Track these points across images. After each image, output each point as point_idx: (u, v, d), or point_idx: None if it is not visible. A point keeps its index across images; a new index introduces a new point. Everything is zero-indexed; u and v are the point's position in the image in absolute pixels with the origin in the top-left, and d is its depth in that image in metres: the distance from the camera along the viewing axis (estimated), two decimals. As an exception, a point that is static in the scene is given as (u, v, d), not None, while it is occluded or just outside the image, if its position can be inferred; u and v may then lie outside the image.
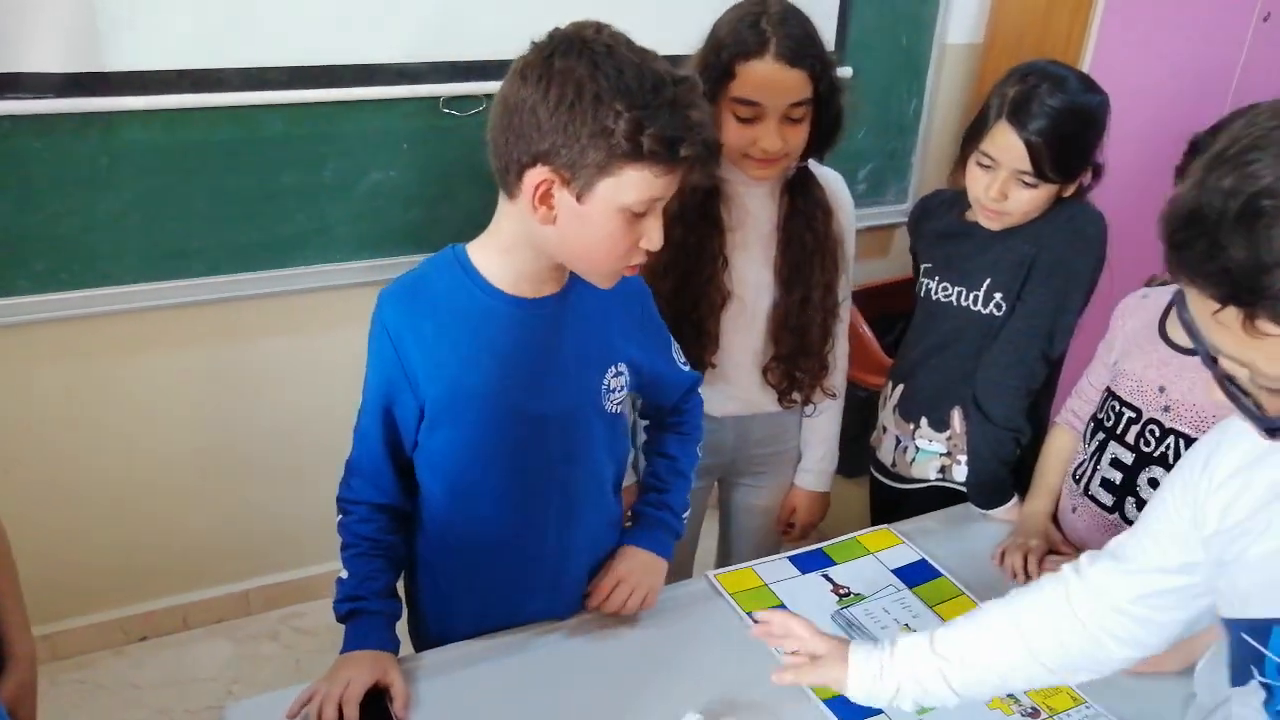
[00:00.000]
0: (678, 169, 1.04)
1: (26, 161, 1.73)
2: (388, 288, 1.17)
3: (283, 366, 2.12)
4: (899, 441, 1.69)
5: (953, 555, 1.43)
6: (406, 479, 1.23)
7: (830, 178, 1.59)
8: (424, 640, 1.32)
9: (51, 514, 2.05)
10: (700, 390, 1.48)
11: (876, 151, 2.50)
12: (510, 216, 1.11)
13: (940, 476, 1.66)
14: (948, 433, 1.63)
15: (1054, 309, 1.50)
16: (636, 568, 1.30)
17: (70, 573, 2.11)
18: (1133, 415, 1.39)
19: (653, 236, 1.08)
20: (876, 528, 1.48)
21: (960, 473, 1.64)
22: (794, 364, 1.59)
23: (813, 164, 1.55)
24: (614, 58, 1.01)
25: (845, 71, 2.34)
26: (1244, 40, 2.42)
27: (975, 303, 1.57)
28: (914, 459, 1.68)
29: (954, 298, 1.59)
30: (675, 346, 1.37)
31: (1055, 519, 1.52)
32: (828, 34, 2.28)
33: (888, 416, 1.72)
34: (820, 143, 1.49)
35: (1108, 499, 1.42)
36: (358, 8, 1.84)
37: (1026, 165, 1.44)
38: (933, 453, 1.65)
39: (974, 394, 1.56)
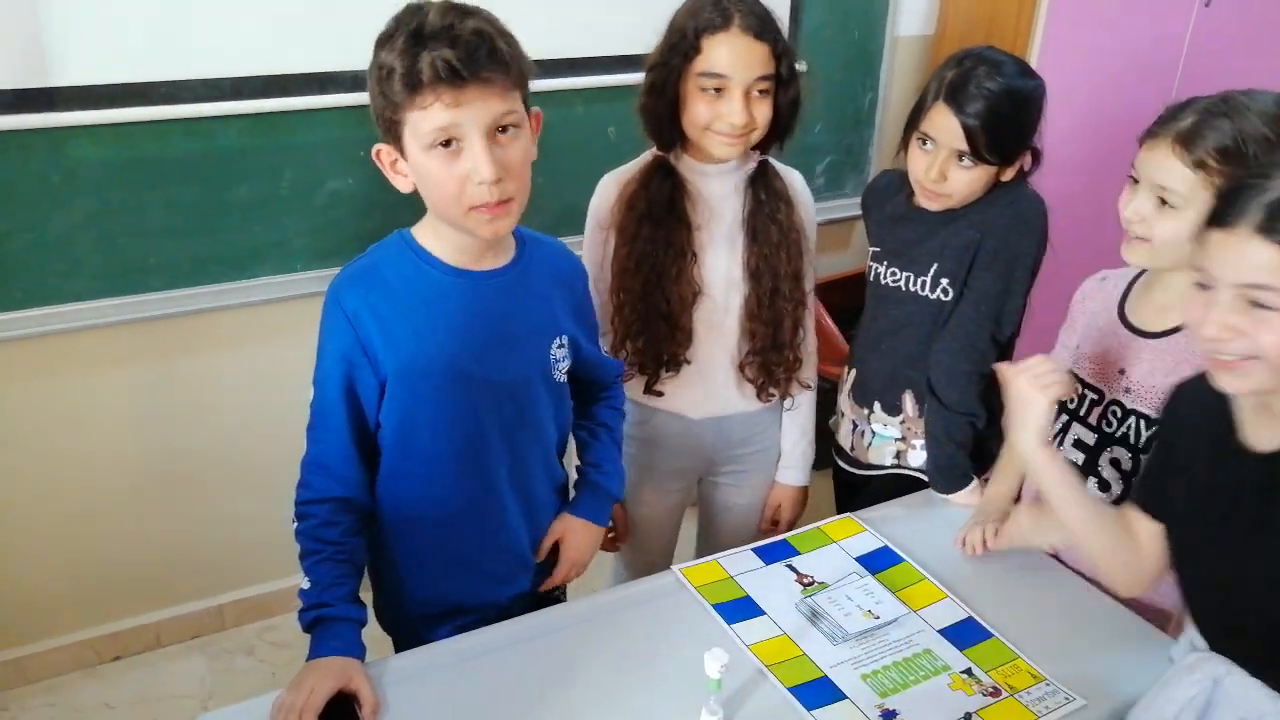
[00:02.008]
0: (442, 90, 1.07)
1: (-25, 180, 1.72)
2: (339, 275, 1.22)
3: (245, 378, 2.11)
4: (855, 426, 1.72)
5: (915, 541, 1.45)
6: (367, 470, 1.25)
7: (788, 173, 1.61)
8: (391, 624, 1.35)
9: (12, 536, 2.03)
10: (676, 393, 1.56)
11: (833, 145, 2.53)
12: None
13: (895, 462, 1.68)
14: (900, 416, 1.66)
15: (1000, 292, 1.53)
16: (584, 546, 1.41)
17: (36, 595, 2.09)
18: (1095, 397, 1.42)
19: (477, 167, 1.11)
20: (839, 516, 1.49)
21: (915, 458, 1.66)
22: (768, 357, 1.61)
23: (772, 160, 1.58)
24: (395, 19, 1.11)
25: (799, 67, 2.36)
26: (1187, 26, 2.47)
27: (923, 288, 1.59)
28: (870, 444, 1.70)
29: (902, 283, 1.62)
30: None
31: (1017, 502, 1.54)
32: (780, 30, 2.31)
33: (844, 402, 1.75)
34: (779, 129, 1.51)
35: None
36: (309, 17, 1.84)
37: (964, 145, 1.47)
38: (888, 437, 1.68)
39: (928, 380, 1.59)
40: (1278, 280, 0.95)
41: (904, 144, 1.58)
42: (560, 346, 1.31)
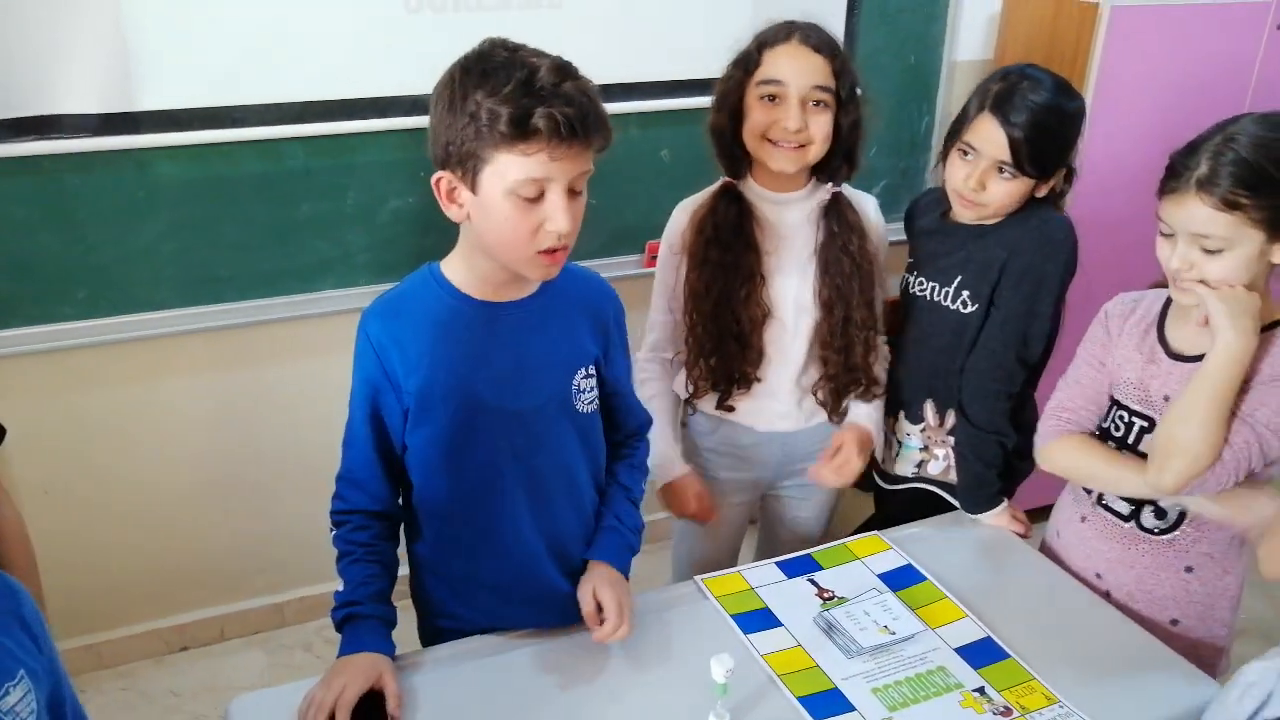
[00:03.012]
0: (545, 144, 1.10)
1: (68, 197, 1.85)
2: (370, 306, 1.27)
3: (310, 384, 2.21)
4: (887, 437, 1.74)
5: (940, 560, 1.46)
6: (395, 485, 1.31)
7: (862, 200, 1.67)
8: (429, 639, 1.40)
9: (94, 530, 2.16)
10: (745, 406, 1.59)
11: (889, 169, 2.53)
12: (460, 226, 1.22)
13: (916, 472, 1.70)
14: (921, 425, 1.68)
15: (1025, 313, 1.54)
16: (620, 592, 1.31)
17: (113, 586, 2.22)
18: (1144, 424, 1.40)
19: (556, 218, 1.14)
20: (866, 534, 1.51)
21: (935, 467, 1.68)
22: (840, 381, 1.65)
23: (846, 188, 1.63)
24: (486, 59, 1.13)
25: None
26: (1257, 49, 2.41)
27: (946, 299, 1.62)
28: (898, 454, 1.73)
29: (928, 293, 1.66)
30: (635, 380, 1.46)
31: (1048, 532, 1.54)
32: (835, 54, 2.34)
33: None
34: (843, 153, 1.57)
35: (1124, 507, 1.43)
36: (373, 45, 1.93)
37: (1006, 156, 1.50)
38: (913, 447, 1.70)
39: (958, 399, 1.59)
40: (1214, 229, 1.25)
41: (943, 156, 1.62)
42: (586, 377, 1.33)
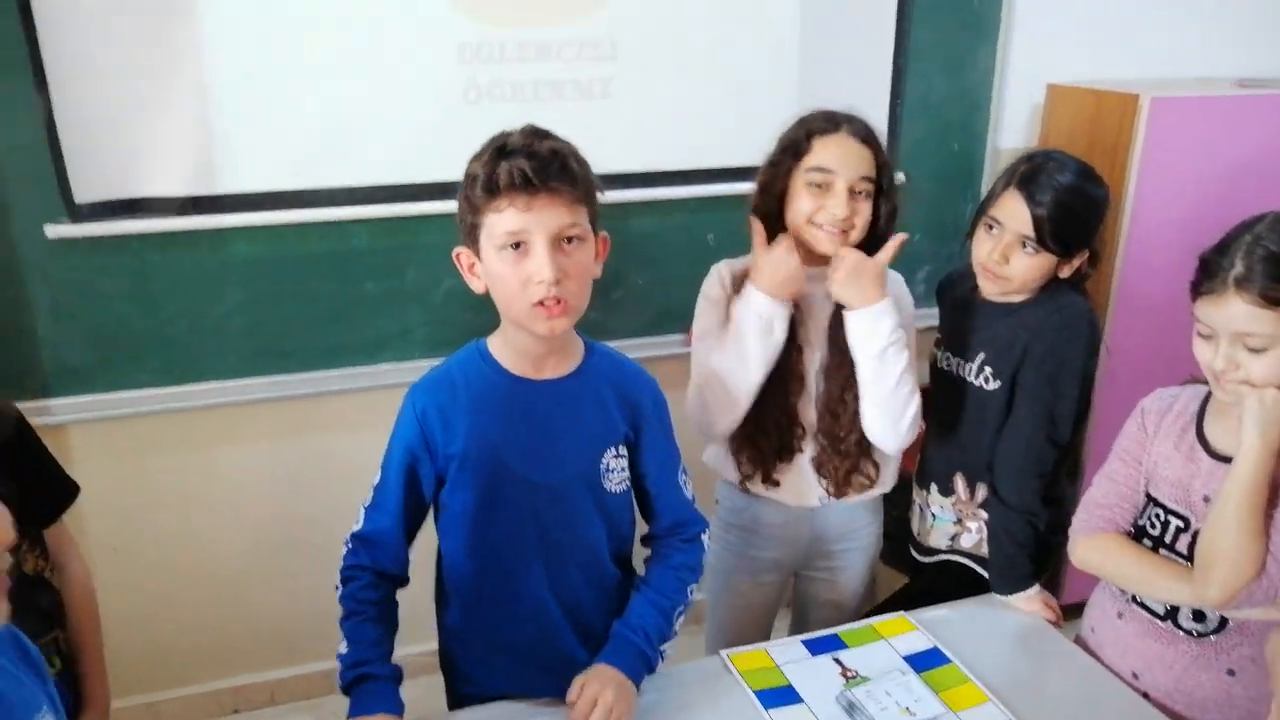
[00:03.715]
0: (516, 195, 1.20)
1: (149, 272, 1.99)
2: (419, 380, 1.35)
3: (364, 455, 2.26)
4: (921, 510, 1.77)
5: (967, 644, 1.45)
6: (407, 552, 1.37)
7: (889, 276, 1.67)
8: (454, 704, 1.44)
9: (156, 590, 2.25)
10: (782, 479, 1.60)
11: (932, 254, 2.57)
12: None
13: (950, 545, 1.70)
14: (953, 498, 1.69)
15: (1051, 396, 1.56)
16: (614, 691, 1.27)
17: (170, 647, 2.30)
18: (1180, 524, 1.38)
19: (539, 268, 1.22)
20: (893, 614, 1.51)
21: (968, 540, 1.69)
22: (828, 456, 1.66)
23: None
24: (488, 140, 1.24)
25: (897, 177, 2.44)
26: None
27: (970, 374, 1.66)
28: (931, 526, 1.75)
29: (953, 368, 1.70)
30: (686, 478, 1.47)
31: (1083, 628, 1.52)
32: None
33: (914, 488, 1.80)
34: (877, 238, 1.61)
35: (1160, 605, 1.41)
36: (435, 133, 2.06)
37: (1029, 230, 1.54)
38: (946, 520, 1.71)
39: (991, 480, 1.61)
40: (1256, 327, 1.25)
41: (970, 233, 1.66)
42: (616, 457, 1.38)
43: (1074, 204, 1.54)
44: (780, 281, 1.56)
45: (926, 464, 1.75)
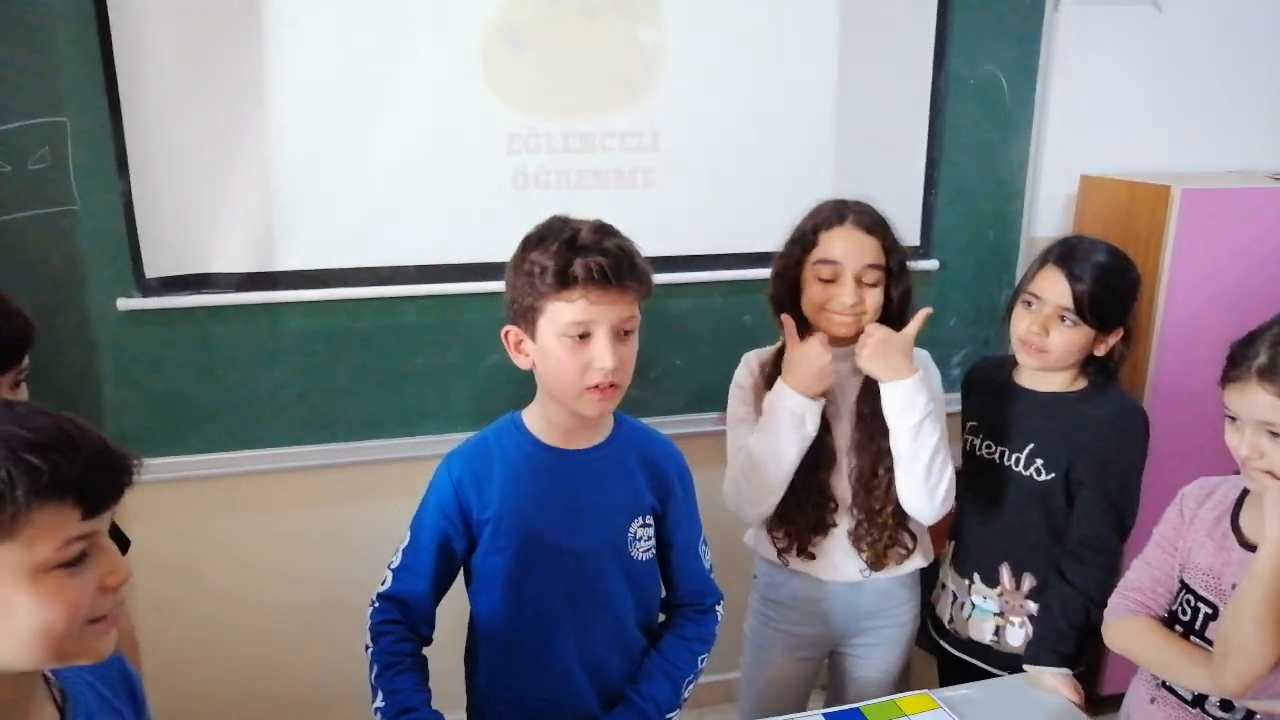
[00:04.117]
0: (585, 290, 1.27)
1: (210, 343, 2.10)
2: (455, 448, 1.41)
3: (403, 524, 2.35)
4: (955, 598, 1.76)
5: (990, 724, 1.45)
6: (434, 615, 1.43)
7: (916, 355, 1.71)
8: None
9: (196, 652, 2.31)
10: (817, 552, 1.65)
11: (968, 339, 2.60)
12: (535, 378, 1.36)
13: (995, 639, 1.70)
14: (998, 589, 1.69)
15: (1119, 492, 1.62)
16: None
17: (210, 706, 2.34)
18: (1209, 611, 1.39)
19: (602, 356, 1.29)
20: (917, 692, 1.51)
21: (1014, 635, 1.68)
22: (866, 530, 1.69)
23: None
24: (544, 228, 1.32)
25: (931, 264, 2.50)
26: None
27: (1017, 464, 1.68)
28: (970, 615, 1.74)
29: (997, 456, 1.72)
30: (706, 549, 1.52)
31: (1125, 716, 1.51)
32: (913, 229, 2.47)
33: (945, 572, 1.80)
34: (893, 316, 1.66)
35: (1188, 692, 1.40)
36: (483, 217, 2.16)
37: (1069, 303, 1.59)
38: (987, 611, 1.71)
39: (1058, 565, 1.63)
40: (1276, 417, 1.27)
41: (1007, 314, 1.71)
42: (643, 526, 1.43)
43: (1110, 279, 1.61)
44: (812, 378, 1.61)
45: (966, 552, 1.75)
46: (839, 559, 1.71)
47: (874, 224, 1.63)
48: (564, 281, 1.28)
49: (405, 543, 1.43)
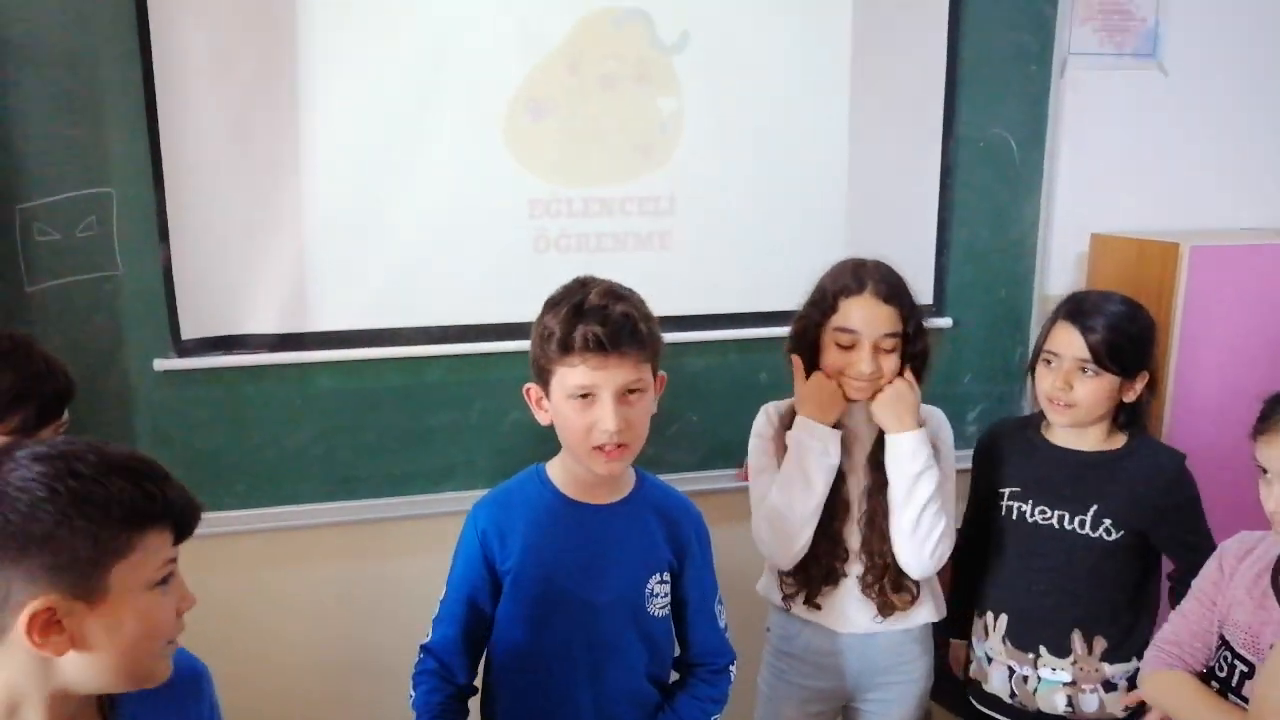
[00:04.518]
0: (589, 355, 1.31)
1: (241, 402, 2.17)
2: (481, 498, 1.46)
3: (426, 580, 2.37)
4: (1013, 671, 1.73)
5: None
6: (475, 663, 1.46)
7: (930, 412, 1.77)
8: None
9: (228, 711, 2.33)
10: (824, 603, 1.67)
11: (983, 395, 2.63)
12: None
13: (1069, 709, 1.68)
14: (1071, 657, 1.68)
15: (1197, 539, 1.66)
16: None
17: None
18: (1245, 670, 1.39)
19: (604, 419, 1.33)
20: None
21: (1089, 702, 1.67)
22: (873, 577, 1.73)
23: None
24: (563, 290, 1.37)
25: (944, 322, 2.54)
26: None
27: (1082, 527, 1.68)
28: (1036, 689, 1.71)
29: (1055, 521, 1.70)
30: (721, 609, 1.55)
31: None
32: (926, 287, 2.51)
33: (994, 647, 1.76)
34: (914, 375, 1.70)
35: None
36: (505, 278, 2.23)
37: (1086, 354, 1.62)
38: (1056, 682, 1.69)
39: (1109, 632, 1.67)
40: None
41: (1030, 375, 1.75)
42: (660, 583, 1.47)
43: (1123, 324, 1.64)
44: (824, 405, 1.68)
45: (1025, 624, 1.73)
46: (850, 609, 1.73)
47: (891, 292, 1.66)
48: (566, 347, 1.34)
49: (444, 594, 1.48)
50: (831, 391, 1.67)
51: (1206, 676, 1.44)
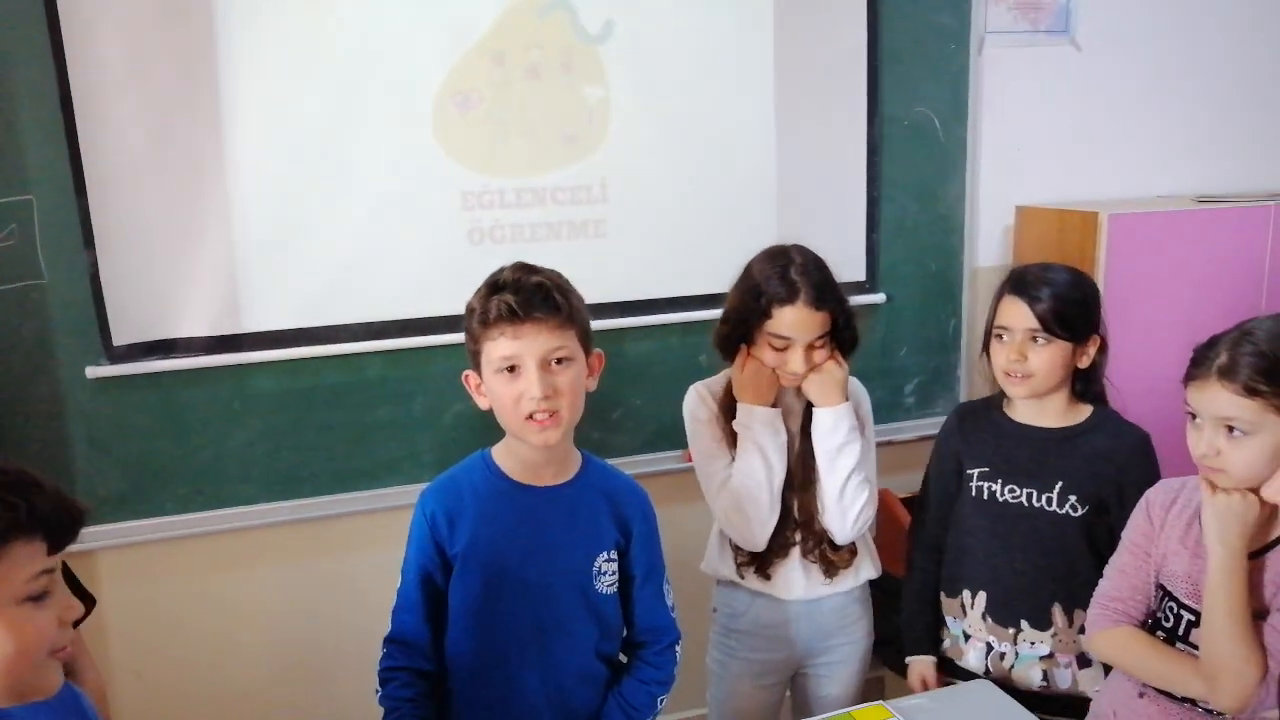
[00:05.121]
0: (505, 325, 1.36)
1: (178, 406, 2.15)
2: (429, 485, 1.47)
3: (378, 574, 2.36)
4: (991, 648, 1.76)
5: (942, 732, 1.50)
6: (440, 646, 1.47)
7: (852, 385, 1.82)
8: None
9: (175, 714, 2.31)
10: (774, 573, 1.72)
11: (920, 368, 2.69)
12: None
13: (1044, 684, 1.72)
14: (1052, 629, 1.72)
15: None
16: None
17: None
18: (1192, 618, 1.43)
19: (530, 387, 1.37)
20: (871, 704, 1.57)
21: (1062, 677, 1.71)
22: (810, 541, 1.79)
23: None
24: (490, 276, 1.40)
25: (878, 298, 2.60)
26: (1265, 250, 2.55)
27: (1049, 504, 1.71)
28: (1014, 665, 1.74)
29: (1023, 499, 1.73)
30: (669, 588, 1.58)
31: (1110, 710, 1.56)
32: (858, 265, 2.57)
33: (972, 625, 1.79)
34: (842, 351, 1.77)
35: None
36: (441, 272, 2.23)
37: (1034, 323, 1.66)
38: (1034, 656, 1.73)
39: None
40: (1237, 413, 1.33)
41: (985, 350, 1.77)
42: (608, 560, 1.50)
43: (1067, 291, 1.68)
44: (763, 390, 1.75)
45: (1011, 598, 1.74)
46: (795, 576, 1.79)
47: (822, 296, 1.69)
48: (484, 321, 1.38)
49: (399, 584, 1.49)
50: (768, 377, 1.74)
51: (1153, 627, 1.49)
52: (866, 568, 1.85)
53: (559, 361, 1.40)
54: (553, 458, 1.47)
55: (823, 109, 2.47)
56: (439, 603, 1.47)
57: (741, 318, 1.75)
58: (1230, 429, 1.35)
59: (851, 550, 1.82)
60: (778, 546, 1.78)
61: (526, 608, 1.45)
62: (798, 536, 1.79)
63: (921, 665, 1.82)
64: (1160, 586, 1.49)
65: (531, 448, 1.44)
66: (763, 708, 1.87)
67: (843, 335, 1.75)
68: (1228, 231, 2.54)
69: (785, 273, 1.70)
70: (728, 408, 1.79)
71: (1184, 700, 1.43)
